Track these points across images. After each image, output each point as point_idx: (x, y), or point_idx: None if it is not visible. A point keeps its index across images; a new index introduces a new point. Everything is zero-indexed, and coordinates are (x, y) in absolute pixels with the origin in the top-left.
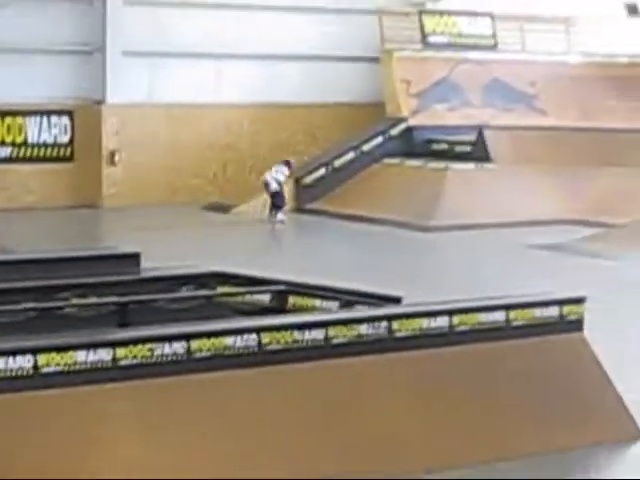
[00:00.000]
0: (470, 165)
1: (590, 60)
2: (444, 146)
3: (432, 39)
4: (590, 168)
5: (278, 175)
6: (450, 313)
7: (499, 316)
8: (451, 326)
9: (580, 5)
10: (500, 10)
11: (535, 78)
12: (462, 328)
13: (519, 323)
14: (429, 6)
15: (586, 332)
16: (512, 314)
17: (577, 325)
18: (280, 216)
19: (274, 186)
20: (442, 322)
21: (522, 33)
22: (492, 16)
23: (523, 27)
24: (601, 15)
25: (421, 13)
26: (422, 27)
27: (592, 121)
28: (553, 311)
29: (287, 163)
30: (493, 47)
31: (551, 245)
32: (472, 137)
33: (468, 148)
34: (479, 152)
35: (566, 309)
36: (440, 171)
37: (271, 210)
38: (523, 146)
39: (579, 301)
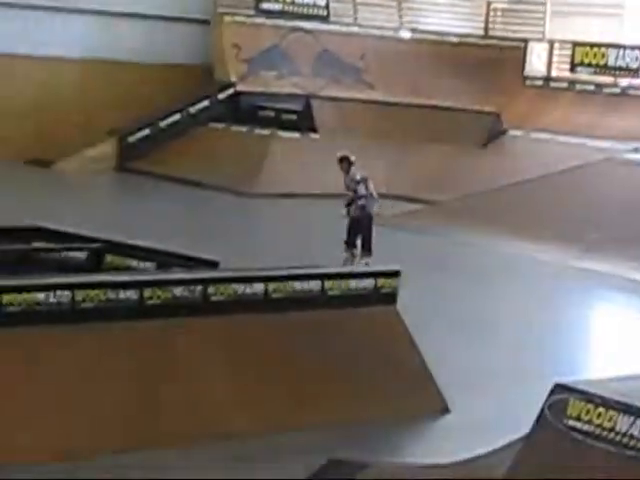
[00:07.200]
0: (295, 134)
1: (421, 37)
2: (271, 113)
3: (265, 6)
4: (416, 144)
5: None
6: (266, 280)
7: (315, 285)
8: (266, 293)
9: None
10: None
11: (365, 52)
12: (277, 295)
13: (334, 293)
14: None
15: (399, 305)
16: (328, 284)
17: (390, 298)
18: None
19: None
20: (258, 288)
21: (355, 6)
22: None
23: (356, 0)
24: None
25: None
26: None
27: (419, 98)
28: (368, 283)
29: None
30: (325, 18)
31: None
32: (299, 106)
33: (294, 117)
34: (305, 121)
35: (381, 282)
36: (265, 138)
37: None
38: (349, 118)
39: (394, 274)
